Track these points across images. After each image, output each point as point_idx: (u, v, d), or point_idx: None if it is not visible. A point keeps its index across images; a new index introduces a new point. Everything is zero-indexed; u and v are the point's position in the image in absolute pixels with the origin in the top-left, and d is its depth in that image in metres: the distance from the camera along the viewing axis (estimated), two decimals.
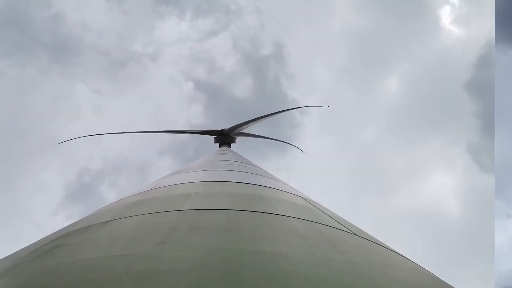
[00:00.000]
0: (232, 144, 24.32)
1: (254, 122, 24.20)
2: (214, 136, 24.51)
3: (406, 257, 3.47)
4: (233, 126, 24.00)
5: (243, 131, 25.05)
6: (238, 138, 24.91)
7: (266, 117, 24.75)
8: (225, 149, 20.41)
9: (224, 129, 24.19)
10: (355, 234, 3.59)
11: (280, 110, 25.92)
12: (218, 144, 24.07)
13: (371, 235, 4.09)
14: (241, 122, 24.09)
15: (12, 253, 3.16)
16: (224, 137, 23.83)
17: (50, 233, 3.83)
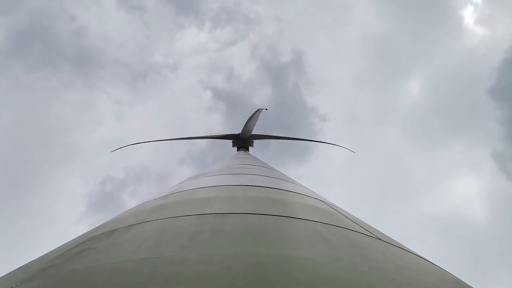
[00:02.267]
0: (250, 148, 24.39)
1: (275, 138, 24.52)
2: (231, 140, 24.64)
3: (433, 262, 3.38)
4: (253, 134, 24.18)
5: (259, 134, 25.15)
6: (256, 144, 25.00)
7: (289, 139, 25.07)
8: (243, 153, 20.45)
9: (240, 133, 24.30)
10: (379, 239, 3.52)
11: (308, 139, 26.45)
12: (235, 149, 24.19)
13: (394, 239, 4.01)
14: (263, 134, 24.42)
15: (39, 256, 3.24)
16: (242, 141, 23.91)
17: (75, 237, 3.91)
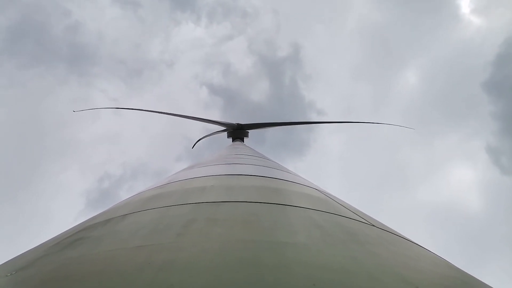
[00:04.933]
0: (245, 139, 24.39)
1: (273, 126, 24.36)
2: (226, 131, 24.61)
3: (426, 248, 3.43)
4: (250, 124, 24.11)
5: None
6: (252, 138, 24.96)
7: (287, 125, 24.87)
8: (238, 143, 20.45)
9: (237, 123, 24.24)
10: (373, 225, 3.56)
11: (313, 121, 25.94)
12: (231, 140, 24.18)
13: (388, 226, 4.05)
14: (261, 122, 24.24)
15: (35, 246, 3.24)
16: (238, 132, 23.89)
17: (71, 227, 3.92)
